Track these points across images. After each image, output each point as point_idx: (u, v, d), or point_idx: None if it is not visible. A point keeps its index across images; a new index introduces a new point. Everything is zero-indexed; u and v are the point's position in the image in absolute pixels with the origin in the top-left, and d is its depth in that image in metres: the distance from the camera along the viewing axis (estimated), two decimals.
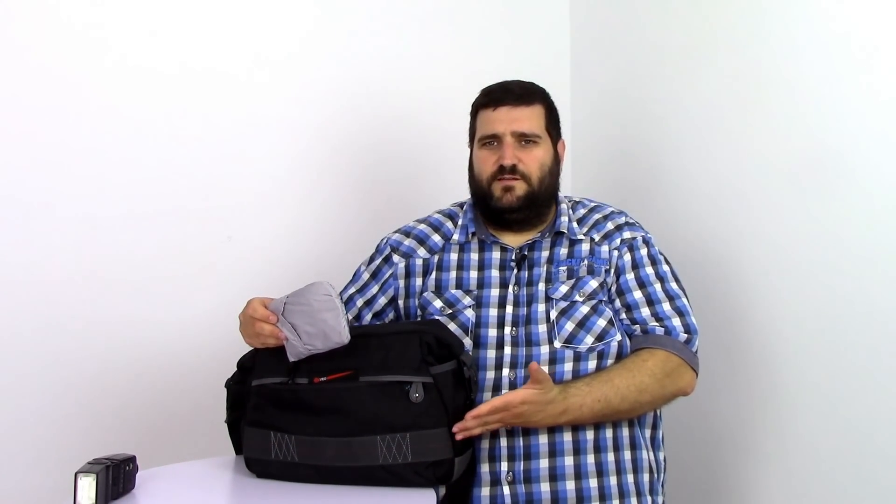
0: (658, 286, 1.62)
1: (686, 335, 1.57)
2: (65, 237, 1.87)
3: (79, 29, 1.89)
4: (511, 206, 1.62)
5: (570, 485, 1.50)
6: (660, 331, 1.57)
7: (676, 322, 1.58)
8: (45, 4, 1.86)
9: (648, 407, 1.55)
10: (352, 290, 1.72)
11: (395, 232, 1.75)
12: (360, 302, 1.69)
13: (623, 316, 1.60)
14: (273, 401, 1.40)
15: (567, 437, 1.52)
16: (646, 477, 1.56)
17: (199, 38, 2.01)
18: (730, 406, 1.89)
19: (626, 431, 1.56)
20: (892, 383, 1.56)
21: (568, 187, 2.30)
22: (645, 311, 1.59)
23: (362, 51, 2.19)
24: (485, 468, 1.52)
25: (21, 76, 1.84)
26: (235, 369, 1.52)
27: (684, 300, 1.62)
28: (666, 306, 1.60)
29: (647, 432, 1.60)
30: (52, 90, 1.86)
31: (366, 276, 1.72)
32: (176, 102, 1.98)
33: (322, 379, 1.36)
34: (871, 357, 1.59)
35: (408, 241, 1.72)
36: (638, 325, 1.59)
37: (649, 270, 1.63)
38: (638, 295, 1.61)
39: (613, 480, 1.52)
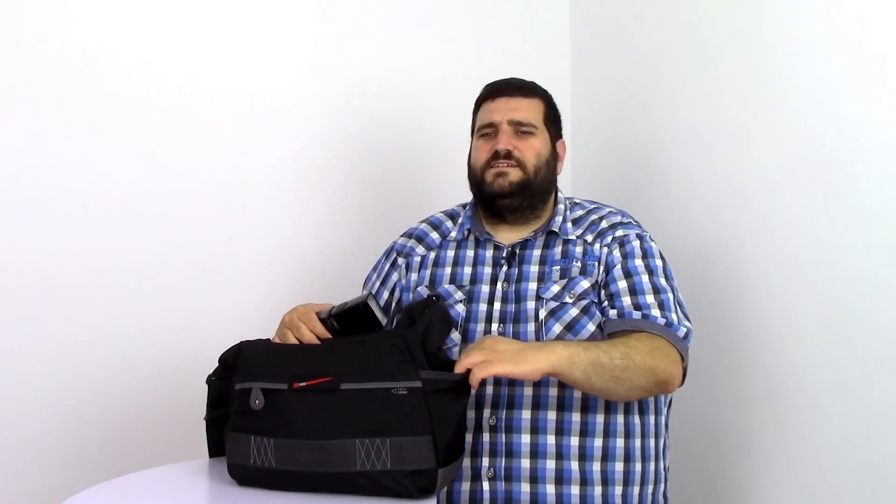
0: (645, 277, 1.55)
1: (665, 321, 1.49)
2: (64, 237, 1.85)
3: (81, 27, 1.88)
4: (503, 191, 1.60)
5: (551, 488, 1.47)
6: (637, 315, 1.50)
7: (656, 312, 1.50)
8: (48, 3, 1.86)
9: (640, 374, 1.42)
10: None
11: (401, 236, 1.75)
12: (379, 313, 1.69)
13: (605, 305, 1.54)
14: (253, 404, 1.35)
15: (550, 439, 1.48)
16: (636, 490, 1.51)
17: (199, 38, 2.00)
18: (729, 407, 1.86)
19: (620, 442, 1.51)
20: (892, 383, 1.55)
21: (568, 187, 2.29)
22: (626, 300, 1.52)
23: (362, 51, 2.17)
24: (466, 462, 1.49)
25: (22, 74, 1.82)
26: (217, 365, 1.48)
27: (670, 295, 1.54)
28: (650, 298, 1.52)
29: (651, 441, 1.55)
30: (52, 89, 1.85)
31: (377, 285, 1.71)
32: (176, 102, 1.96)
33: (301, 384, 1.32)
34: (871, 357, 1.57)
35: (409, 242, 1.71)
36: (615, 311, 1.52)
37: (638, 262, 1.57)
38: (623, 284, 1.54)
39: (598, 490, 1.48)
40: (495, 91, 1.68)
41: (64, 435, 1.85)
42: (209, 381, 1.49)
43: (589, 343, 1.43)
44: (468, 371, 1.31)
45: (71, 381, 1.86)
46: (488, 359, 1.31)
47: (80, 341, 1.87)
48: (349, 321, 1.40)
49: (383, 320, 1.40)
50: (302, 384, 1.32)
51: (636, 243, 1.60)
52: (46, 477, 1.80)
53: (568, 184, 2.31)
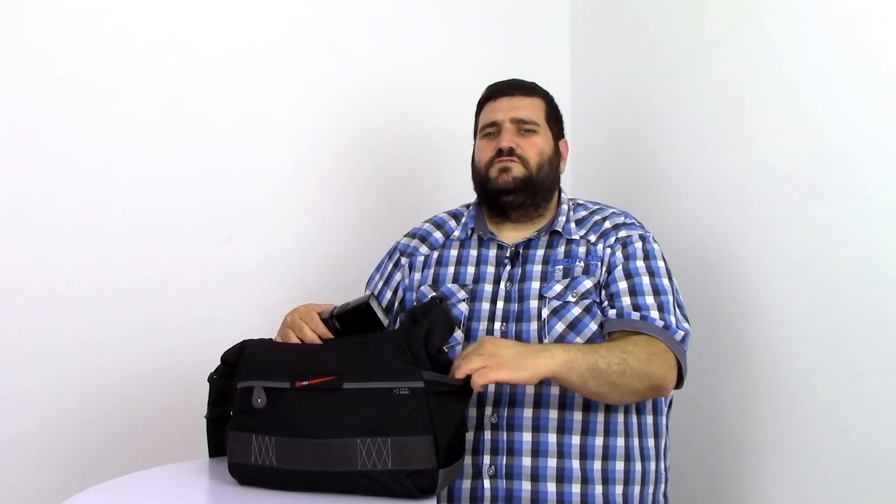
0: (646, 279, 1.55)
1: (663, 324, 1.49)
2: (64, 236, 1.84)
3: (80, 27, 1.87)
4: (507, 187, 1.61)
5: (552, 487, 1.47)
6: (635, 316, 1.50)
7: (655, 314, 1.50)
8: (48, 2, 1.85)
9: (637, 379, 1.42)
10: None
11: (405, 236, 1.75)
12: (381, 313, 1.68)
13: (605, 304, 1.54)
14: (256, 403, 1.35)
15: (551, 438, 1.48)
16: (636, 489, 1.51)
17: (200, 38, 1.99)
18: (730, 407, 1.85)
19: (620, 441, 1.51)
20: (892, 384, 1.54)
21: (568, 186, 2.28)
22: (626, 300, 1.52)
23: (363, 51, 2.16)
24: (467, 460, 1.48)
25: (20, 75, 1.82)
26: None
27: (670, 297, 1.54)
28: (649, 299, 1.52)
29: (651, 441, 1.55)
30: (51, 89, 1.84)
31: (380, 285, 1.71)
32: (176, 101, 1.95)
33: (304, 383, 1.31)
34: (871, 357, 1.56)
35: (413, 242, 1.72)
36: (615, 311, 1.52)
37: (640, 263, 1.57)
38: (623, 285, 1.54)
39: (599, 489, 1.48)
40: (497, 91, 1.68)
41: (64, 435, 1.84)
42: (211, 379, 1.48)
43: (588, 347, 1.43)
44: (469, 375, 1.31)
45: (71, 380, 1.85)
46: (487, 364, 1.31)
47: (79, 341, 1.86)
48: (351, 321, 1.40)
49: (385, 321, 1.40)
50: (304, 383, 1.31)
51: (639, 244, 1.60)
52: (46, 477, 1.80)
53: (568, 182, 2.30)
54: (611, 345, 1.46)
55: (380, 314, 1.39)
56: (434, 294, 1.59)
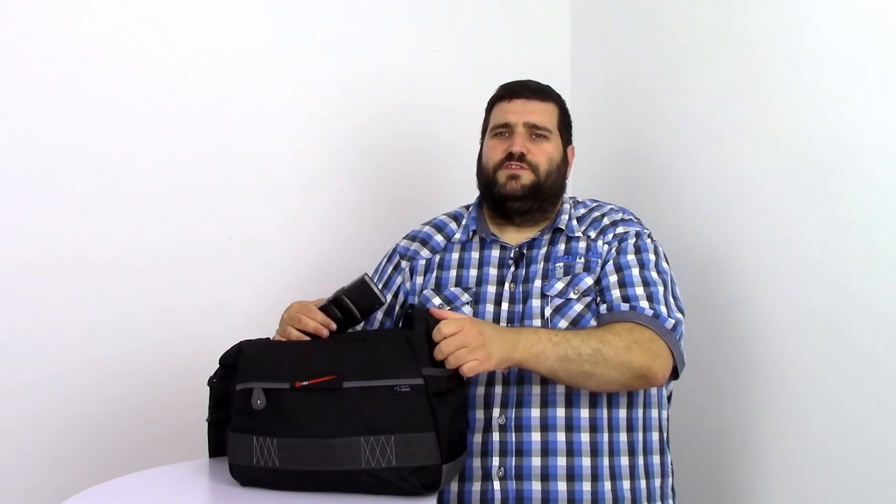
0: (635, 271, 1.54)
1: (652, 312, 1.48)
2: (63, 236, 1.82)
3: (80, 26, 1.85)
4: (514, 194, 1.60)
5: (562, 486, 1.46)
6: (625, 307, 1.49)
7: (644, 304, 1.49)
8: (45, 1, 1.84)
9: (614, 368, 1.40)
10: None
11: (404, 238, 1.73)
12: (380, 314, 1.67)
13: (598, 299, 1.54)
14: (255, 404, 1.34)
15: (560, 436, 1.47)
16: (643, 483, 1.51)
17: (199, 36, 1.97)
18: (734, 403, 1.85)
19: (623, 436, 1.50)
20: (892, 380, 1.54)
21: (568, 187, 2.29)
22: (616, 293, 1.51)
23: (363, 50, 2.15)
24: (476, 463, 1.48)
25: (20, 73, 1.80)
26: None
27: (660, 288, 1.52)
28: (638, 290, 1.51)
29: (653, 435, 1.54)
30: (51, 87, 1.82)
31: (379, 286, 1.71)
32: (176, 100, 1.94)
33: (303, 384, 1.31)
34: (873, 356, 1.56)
35: (413, 245, 1.70)
36: (605, 304, 1.51)
37: (630, 257, 1.56)
38: (613, 278, 1.53)
39: (608, 486, 1.47)
40: (512, 92, 1.66)
41: (64, 435, 1.82)
42: (210, 382, 1.47)
43: (562, 336, 1.40)
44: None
45: (71, 380, 1.84)
46: (477, 358, 1.31)
47: (78, 341, 1.84)
48: (350, 304, 1.40)
49: (383, 298, 1.40)
50: (304, 383, 1.30)
51: (632, 241, 1.60)
52: (46, 477, 1.78)
53: (568, 182, 2.30)
54: (588, 333, 1.44)
55: (377, 291, 1.40)
56: (410, 304, 1.60)
